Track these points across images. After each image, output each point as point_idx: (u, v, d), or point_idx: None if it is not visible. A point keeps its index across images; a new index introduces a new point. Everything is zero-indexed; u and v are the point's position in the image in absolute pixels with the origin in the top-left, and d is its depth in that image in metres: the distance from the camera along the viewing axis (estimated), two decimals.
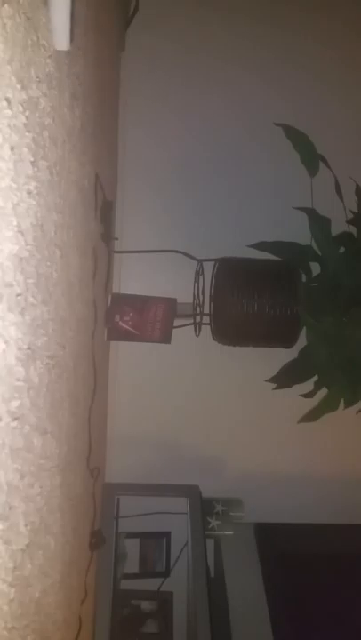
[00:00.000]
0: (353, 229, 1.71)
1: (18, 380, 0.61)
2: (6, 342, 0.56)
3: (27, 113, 0.59)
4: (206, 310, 1.66)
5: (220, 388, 2.00)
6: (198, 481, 1.77)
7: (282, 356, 1.71)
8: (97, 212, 1.26)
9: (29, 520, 0.68)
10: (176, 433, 2.01)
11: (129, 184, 1.97)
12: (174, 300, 1.58)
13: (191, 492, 1.72)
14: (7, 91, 0.53)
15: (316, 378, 1.68)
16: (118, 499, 1.71)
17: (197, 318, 1.66)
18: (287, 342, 1.62)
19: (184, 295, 1.67)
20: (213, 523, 1.72)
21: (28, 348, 0.64)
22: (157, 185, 1.99)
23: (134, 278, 1.94)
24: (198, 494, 1.72)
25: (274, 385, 1.73)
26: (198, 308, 1.68)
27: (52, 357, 0.78)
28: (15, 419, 0.60)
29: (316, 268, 1.73)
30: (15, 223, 0.57)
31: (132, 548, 1.79)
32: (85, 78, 1.02)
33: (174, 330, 1.57)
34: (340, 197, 1.65)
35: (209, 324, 1.65)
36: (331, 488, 1.98)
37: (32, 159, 0.62)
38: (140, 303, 1.56)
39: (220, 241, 1.83)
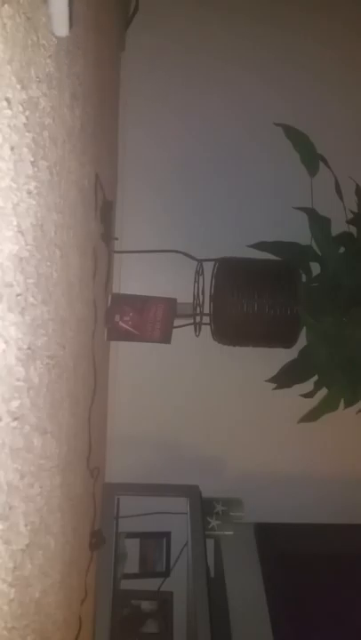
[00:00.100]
0: (353, 229, 1.71)
1: (18, 379, 0.61)
2: (6, 342, 0.56)
3: (27, 113, 0.59)
4: (206, 310, 1.66)
5: (220, 388, 2.00)
6: (198, 481, 1.77)
7: (282, 356, 1.71)
8: (97, 211, 1.26)
9: (29, 520, 0.68)
10: (176, 433, 2.01)
11: (129, 184, 1.97)
12: (174, 300, 1.58)
13: (191, 492, 1.72)
14: (7, 91, 0.53)
15: (316, 378, 1.68)
16: (118, 499, 1.71)
17: (197, 318, 1.66)
18: (287, 342, 1.62)
19: (184, 295, 1.67)
20: (213, 523, 1.72)
21: (28, 348, 0.64)
22: (157, 185, 1.99)
23: (134, 278, 1.94)
24: (198, 494, 1.72)
25: (274, 385, 1.73)
26: (198, 308, 1.68)
27: (52, 357, 0.78)
28: (15, 419, 0.60)
29: (316, 268, 1.73)
30: (15, 223, 0.57)
31: (132, 548, 1.79)
32: (85, 78, 1.02)
33: (174, 330, 1.57)
34: (341, 197, 1.65)
35: (209, 323, 1.65)
36: (331, 488, 1.98)
37: (32, 159, 0.62)
38: (140, 303, 1.56)
39: (220, 241, 1.83)
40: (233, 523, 1.74)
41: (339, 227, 1.70)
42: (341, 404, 1.67)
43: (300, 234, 1.69)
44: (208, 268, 1.68)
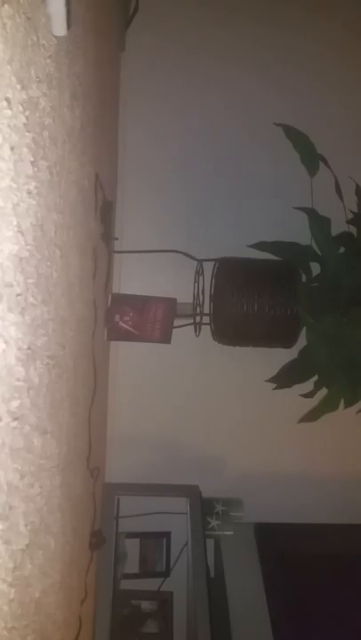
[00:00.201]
0: (353, 229, 1.71)
1: (18, 379, 0.61)
2: (6, 342, 0.56)
3: (27, 113, 0.59)
4: (206, 310, 1.66)
5: (220, 388, 2.00)
6: (198, 481, 1.77)
7: (282, 356, 1.71)
8: (97, 211, 1.26)
9: (29, 520, 0.68)
10: (176, 433, 2.01)
11: (129, 184, 1.97)
12: (174, 300, 1.58)
13: (191, 492, 1.72)
14: (7, 91, 0.53)
15: (316, 378, 1.68)
16: (118, 499, 1.71)
17: (197, 318, 1.66)
18: (287, 342, 1.62)
19: (184, 295, 1.66)
20: (213, 523, 1.72)
21: (28, 348, 0.64)
22: (157, 185, 1.99)
23: (134, 278, 1.94)
24: (198, 494, 1.72)
25: (274, 385, 1.73)
26: (198, 308, 1.68)
27: (52, 357, 0.78)
28: (15, 419, 0.60)
29: (316, 268, 1.73)
30: (15, 223, 0.57)
31: (132, 548, 1.79)
32: (85, 78, 1.02)
33: (174, 330, 1.57)
34: (341, 197, 1.65)
35: (209, 323, 1.65)
36: (331, 488, 1.98)
37: (32, 159, 0.62)
38: (140, 303, 1.56)
39: (220, 241, 1.83)
40: (233, 523, 1.74)
41: (339, 227, 1.70)
42: (341, 404, 1.67)
43: (300, 234, 1.69)
44: (208, 268, 1.68)
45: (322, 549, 1.71)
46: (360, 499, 1.95)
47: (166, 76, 2.00)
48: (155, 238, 1.92)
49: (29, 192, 0.62)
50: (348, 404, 1.67)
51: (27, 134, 0.60)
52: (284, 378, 1.71)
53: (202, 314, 1.67)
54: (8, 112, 0.54)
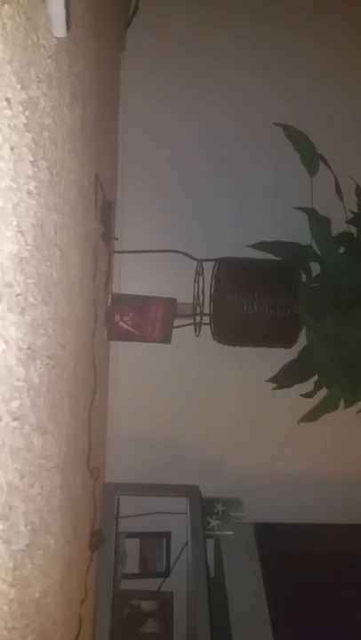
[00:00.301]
0: (353, 229, 1.71)
1: (18, 379, 0.61)
2: (6, 342, 0.56)
3: (27, 113, 0.59)
4: (206, 310, 1.66)
5: (220, 388, 2.00)
6: (198, 481, 1.77)
7: (282, 356, 1.71)
8: (97, 211, 1.26)
9: (29, 520, 0.68)
10: (176, 433, 2.01)
11: (129, 184, 1.97)
12: (174, 300, 1.58)
13: (191, 492, 1.72)
14: (7, 91, 0.53)
15: (316, 378, 1.68)
16: (118, 499, 1.71)
17: (197, 318, 1.66)
18: (287, 342, 1.62)
19: (184, 295, 1.66)
20: (213, 523, 1.72)
21: (28, 348, 0.64)
22: (157, 185, 1.99)
23: (134, 278, 1.94)
24: (198, 494, 1.72)
25: (274, 385, 1.73)
26: (198, 308, 1.68)
27: (52, 357, 0.78)
28: (15, 419, 0.60)
29: (316, 268, 1.73)
30: (15, 223, 0.57)
31: (132, 548, 1.79)
32: (85, 78, 1.02)
33: (174, 330, 1.57)
34: (341, 197, 1.65)
35: (209, 323, 1.65)
36: (331, 488, 1.98)
37: (32, 159, 0.62)
38: (140, 303, 1.56)
39: (220, 241, 1.83)
40: (233, 523, 1.74)
41: (339, 227, 1.70)
42: (341, 404, 1.67)
43: (300, 234, 1.69)
44: (208, 268, 1.68)
45: (322, 549, 1.71)
46: (360, 499, 1.95)
47: (166, 76, 2.00)
48: (155, 238, 1.92)
49: (29, 192, 0.62)
50: (348, 404, 1.67)
51: (27, 134, 0.60)
52: (284, 378, 1.71)
53: (202, 314, 1.67)
54: (8, 112, 0.54)
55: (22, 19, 0.57)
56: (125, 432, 1.98)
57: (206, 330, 1.67)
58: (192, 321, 1.66)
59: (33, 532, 0.70)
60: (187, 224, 1.98)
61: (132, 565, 1.77)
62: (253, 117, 1.97)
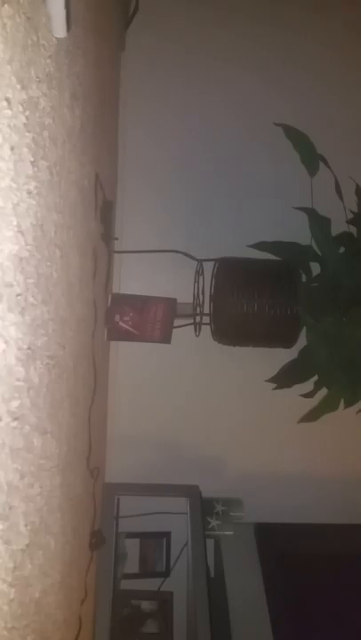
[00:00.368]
0: (353, 229, 1.71)
1: (18, 379, 0.61)
2: (6, 342, 0.56)
3: (27, 113, 0.59)
4: (206, 310, 1.66)
5: (220, 388, 2.00)
6: (198, 481, 1.77)
7: (282, 356, 1.71)
8: (97, 211, 1.26)
9: (29, 520, 0.68)
10: (176, 433, 2.01)
11: (129, 184, 1.97)
12: (174, 300, 1.58)
13: (191, 492, 1.72)
14: (7, 91, 0.53)
15: (316, 378, 1.68)
16: (118, 499, 1.71)
17: (197, 318, 1.66)
18: (287, 342, 1.62)
19: (184, 295, 1.67)
20: (213, 523, 1.72)
21: (28, 348, 0.64)
22: (157, 185, 1.99)
23: (134, 278, 1.94)
24: (198, 494, 1.72)
25: (274, 385, 1.73)
26: (198, 308, 1.68)
27: (52, 357, 0.78)
28: (15, 419, 0.60)
29: (316, 268, 1.73)
30: (15, 223, 0.57)
31: (132, 548, 1.79)
32: (85, 78, 1.02)
33: (174, 330, 1.57)
34: (341, 197, 1.65)
35: (209, 323, 1.65)
36: (331, 488, 1.98)
37: (32, 159, 0.62)
38: (140, 303, 1.56)
39: (220, 241, 1.83)
40: (233, 523, 1.74)
41: (339, 227, 1.70)
42: (341, 404, 1.67)
43: (300, 234, 1.69)
44: (208, 268, 1.68)
45: (322, 549, 1.71)
46: (360, 499, 1.95)
47: (166, 76, 2.00)
48: (155, 238, 1.92)
49: (29, 192, 0.62)
50: (348, 404, 1.67)
51: (27, 134, 0.60)
52: (284, 378, 1.71)
53: (202, 314, 1.67)
54: (8, 112, 0.54)
55: (22, 19, 0.57)
56: (125, 432, 1.98)
57: (206, 330, 1.67)
58: (192, 321, 1.66)
59: (33, 531, 0.70)
60: (187, 224, 1.98)
61: (132, 565, 1.77)
62: (253, 117, 1.97)
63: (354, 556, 1.69)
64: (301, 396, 1.68)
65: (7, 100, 0.53)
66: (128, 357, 1.97)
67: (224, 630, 1.48)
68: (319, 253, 1.69)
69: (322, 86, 1.99)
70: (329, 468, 2.01)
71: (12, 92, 0.55)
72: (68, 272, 0.89)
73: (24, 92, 0.59)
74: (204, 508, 1.72)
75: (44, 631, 0.80)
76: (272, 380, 1.73)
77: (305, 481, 1.99)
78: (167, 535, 1.82)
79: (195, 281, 1.70)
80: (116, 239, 1.70)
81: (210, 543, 1.74)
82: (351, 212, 1.70)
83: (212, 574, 1.74)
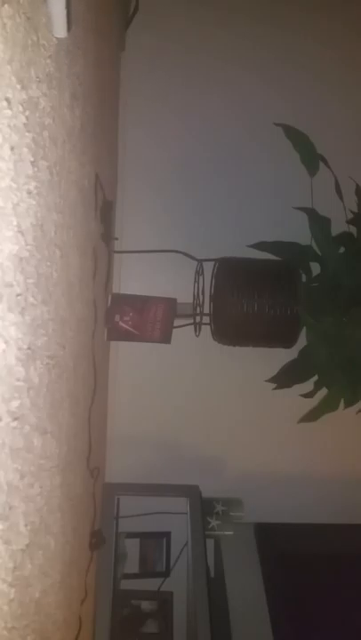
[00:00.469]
0: (353, 229, 1.71)
1: (18, 379, 0.61)
2: (6, 342, 0.56)
3: (27, 113, 0.59)
4: (206, 310, 1.66)
5: (220, 387, 2.00)
6: (198, 481, 1.77)
7: (282, 356, 1.71)
8: (97, 211, 1.26)
9: (29, 520, 0.68)
10: (176, 433, 2.01)
11: (129, 184, 1.97)
12: (174, 300, 1.58)
13: (191, 492, 1.72)
14: (7, 91, 0.53)
15: (316, 378, 1.68)
16: (118, 499, 1.71)
17: (197, 318, 1.66)
18: (287, 342, 1.62)
19: (184, 295, 1.67)
20: (213, 523, 1.72)
21: (28, 348, 0.64)
22: (157, 185, 1.99)
23: (134, 278, 1.94)
24: (198, 494, 1.72)
25: (274, 385, 1.73)
26: (198, 308, 1.68)
27: (52, 357, 0.78)
28: (15, 419, 0.60)
29: (316, 268, 1.73)
30: (15, 223, 0.57)
31: (132, 548, 1.79)
32: (85, 78, 1.02)
33: (174, 330, 1.57)
34: (341, 197, 1.65)
35: (209, 323, 1.65)
36: (331, 488, 1.98)
37: (32, 159, 0.62)
38: (140, 303, 1.56)
39: (220, 241, 1.84)
40: (233, 523, 1.74)
41: (339, 227, 1.70)
42: (341, 404, 1.67)
43: (300, 234, 1.69)
44: (208, 268, 1.68)
45: (322, 549, 1.71)
46: (360, 499, 1.95)
47: (166, 76, 2.00)
48: (155, 238, 1.92)
49: (29, 192, 0.62)
50: (348, 404, 1.67)
51: (27, 134, 0.60)
52: (284, 378, 1.71)
53: (202, 314, 1.67)
54: (8, 112, 0.54)
55: (22, 19, 0.57)
56: (125, 432, 1.98)
57: (206, 330, 1.67)
58: (192, 321, 1.66)
59: (33, 531, 0.70)
60: (187, 224, 1.98)
61: (132, 565, 1.77)
62: (253, 117, 1.97)
63: (354, 556, 1.69)
64: (301, 395, 1.68)
65: (7, 100, 0.53)
66: (128, 357, 1.97)
67: (224, 630, 1.48)
68: (319, 253, 1.69)
69: (322, 86, 1.99)
70: (329, 467, 2.01)
71: (12, 92, 0.55)
72: (68, 272, 0.89)
73: (24, 92, 0.59)
74: (204, 508, 1.72)
75: (44, 631, 0.80)
76: (272, 380, 1.73)
77: (305, 481, 1.99)
78: (167, 535, 1.82)
79: (195, 281, 1.70)
80: (116, 239, 1.70)
81: (210, 543, 1.74)
82: (351, 211, 1.70)
83: (212, 574, 1.74)
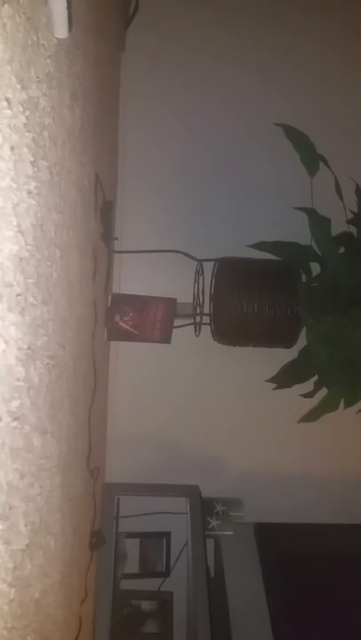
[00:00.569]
0: (353, 229, 1.71)
1: (18, 379, 0.61)
2: (6, 342, 0.56)
3: (27, 113, 0.59)
4: (206, 310, 1.66)
5: (220, 387, 2.00)
6: (198, 481, 1.77)
7: (282, 356, 1.71)
8: (97, 211, 1.26)
9: (29, 520, 0.68)
10: (176, 433, 2.01)
11: (129, 184, 1.97)
12: (174, 300, 1.58)
13: (191, 492, 1.72)
14: (7, 91, 0.53)
15: (316, 378, 1.68)
16: (118, 499, 1.71)
17: (197, 318, 1.66)
18: (287, 342, 1.62)
19: (184, 295, 1.67)
20: (213, 523, 1.72)
21: (28, 348, 0.64)
22: (157, 185, 1.99)
23: (134, 278, 1.94)
24: (198, 494, 1.72)
25: (274, 385, 1.73)
26: (198, 308, 1.68)
27: (52, 357, 0.78)
28: (15, 419, 0.60)
29: (316, 268, 1.73)
30: (15, 223, 0.57)
31: (132, 548, 1.79)
32: (85, 78, 1.02)
33: (174, 330, 1.57)
34: (341, 197, 1.65)
35: (209, 323, 1.65)
36: (331, 488, 1.98)
37: (32, 159, 0.62)
38: (140, 303, 1.56)
39: (220, 241, 1.83)
40: (233, 523, 1.74)
41: (339, 227, 1.70)
42: (341, 404, 1.67)
43: (300, 234, 1.69)
44: (208, 268, 1.68)
45: (322, 549, 1.71)
46: (360, 499, 1.95)
47: (166, 75, 2.00)
48: (155, 238, 1.92)
49: (29, 192, 0.62)
50: (348, 404, 1.67)
51: (27, 134, 0.60)
52: (284, 378, 1.71)
53: (202, 314, 1.67)
54: (8, 112, 0.54)
55: (22, 19, 0.57)
56: (125, 432, 1.98)
57: (206, 330, 1.67)
58: (192, 321, 1.66)
59: (33, 531, 0.70)
60: (187, 224, 1.98)
61: (132, 565, 1.77)
62: (253, 117, 1.97)
63: (354, 556, 1.69)
64: (301, 395, 1.68)
65: (7, 99, 0.53)
66: (128, 357, 1.97)
67: (224, 630, 1.48)
68: (319, 253, 1.69)
69: (322, 86, 1.99)
70: (329, 467, 2.01)
71: (12, 92, 0.55)
72: (68, 272, 0.89)
73: (24, 92, 0.59)
74: (204, 508, 1.72)
75: (44, 631, 0.80)
76: (272, 379, 1.73)
77: (305, 481, 1.99)
78: (167, 535, 1.82)
79: (195, 281, 1.70)
80: (116, 239, 1.70)
81: (210, 543, 1.74)
82: (351, 211, 1.70)
83: (212, 574, 1.74)
